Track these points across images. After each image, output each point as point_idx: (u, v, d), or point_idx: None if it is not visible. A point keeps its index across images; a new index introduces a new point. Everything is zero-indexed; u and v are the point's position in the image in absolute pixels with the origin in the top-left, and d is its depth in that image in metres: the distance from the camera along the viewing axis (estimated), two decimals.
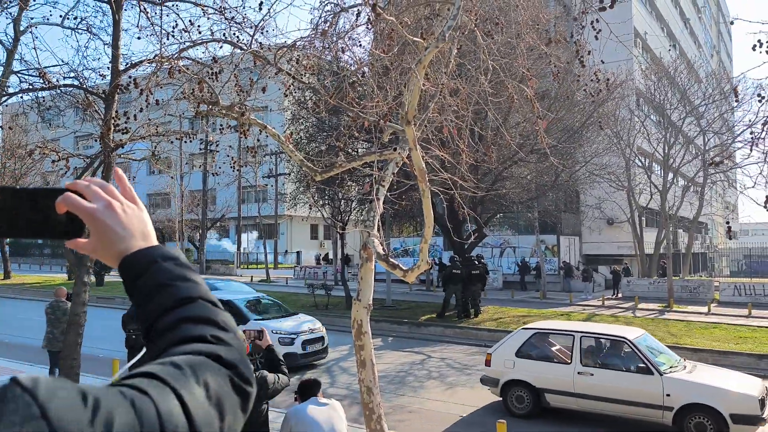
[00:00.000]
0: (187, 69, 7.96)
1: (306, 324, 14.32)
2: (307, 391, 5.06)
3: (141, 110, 7.34)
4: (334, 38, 6.57)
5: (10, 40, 12.61)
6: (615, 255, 35.56)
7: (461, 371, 13.59)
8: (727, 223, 9.24)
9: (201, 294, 1.00)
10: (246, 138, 6.73)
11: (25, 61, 12.27)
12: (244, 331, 4.78)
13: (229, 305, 13.69)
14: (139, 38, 23.91)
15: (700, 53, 54.62)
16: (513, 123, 20.08)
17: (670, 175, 30.27)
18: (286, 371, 4.86)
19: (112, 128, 9.69)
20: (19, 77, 14.27)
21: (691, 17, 55.24)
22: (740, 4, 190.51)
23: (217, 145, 43.23)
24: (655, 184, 30.28)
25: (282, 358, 5.01)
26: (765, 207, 5.36)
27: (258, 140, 8.53)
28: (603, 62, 7.67)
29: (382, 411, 6.98)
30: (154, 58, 9.09)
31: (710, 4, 66.28)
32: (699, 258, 46.09)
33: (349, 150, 17.42)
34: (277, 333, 13.06)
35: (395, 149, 7.34)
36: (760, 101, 5.56)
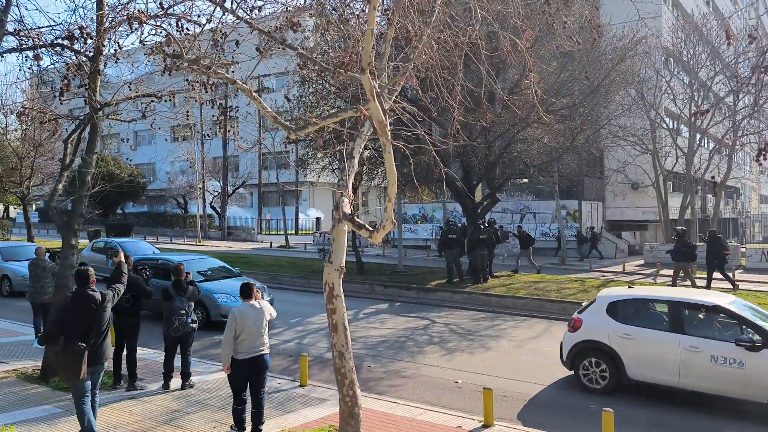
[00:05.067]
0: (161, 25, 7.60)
1: None
2: (246, 292, 7.14)
3: (105, 65, 7.01)
4: None
5: (3, 2, 12.29)
6: (639, 220, 34.68)
7: (463, 337, 13.31)
8: (713, 178, 8.62)
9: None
10: (209, 92, 6.40)
11: (21, 21, 12.01)
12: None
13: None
14: None
15: (735, 9, 52.08)
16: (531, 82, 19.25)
17: (698, 137, 29.11)
18: (124, 281, 7.34)
19: (96, 88, 9.48)
20: (17, 38, 14.02)
21: None
22: None
23: (236, 110, 42.91)
24: (680, 147, 29.14)
25: (125, 271, 7.48)
26: (757, 161, 4.86)
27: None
28: (610, 22, 7.02)
29: (355, 376, 6.73)
30: (135, 14, 8.78)
31: None
32: (729, 224, 44.69)
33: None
34: None
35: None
36: (750, 43, 5.02)
